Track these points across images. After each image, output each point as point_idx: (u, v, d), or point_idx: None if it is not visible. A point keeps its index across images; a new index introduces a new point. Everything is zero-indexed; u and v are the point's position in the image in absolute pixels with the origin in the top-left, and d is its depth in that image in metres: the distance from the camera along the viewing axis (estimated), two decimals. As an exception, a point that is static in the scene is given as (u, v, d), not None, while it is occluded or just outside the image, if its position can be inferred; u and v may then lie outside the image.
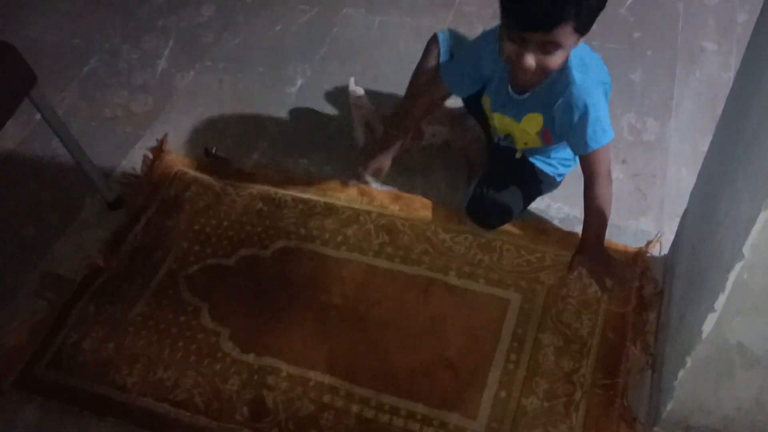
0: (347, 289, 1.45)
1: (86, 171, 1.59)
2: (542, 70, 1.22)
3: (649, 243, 1.46)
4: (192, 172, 1.73)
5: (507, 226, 1.52)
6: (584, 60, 1.29)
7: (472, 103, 1.54)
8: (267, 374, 1.33)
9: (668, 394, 1.07)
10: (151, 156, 1.77)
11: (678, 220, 1.41)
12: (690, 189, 1.35)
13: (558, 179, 1.54)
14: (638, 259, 1.44)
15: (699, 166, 1.30)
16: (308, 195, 1.64)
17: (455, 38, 1.52)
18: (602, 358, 1.30)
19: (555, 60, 1.20)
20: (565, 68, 1.26)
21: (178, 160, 1.77)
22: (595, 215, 1.32)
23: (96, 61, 2.11)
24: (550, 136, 1.38)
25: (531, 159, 1.50)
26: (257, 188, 1.67)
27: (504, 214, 1.48)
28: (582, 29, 1.18)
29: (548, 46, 1.18)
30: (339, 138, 1.80)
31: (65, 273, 1.55)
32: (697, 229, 1.16)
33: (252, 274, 1.50)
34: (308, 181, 1.68)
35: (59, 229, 1.64)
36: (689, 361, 0.98)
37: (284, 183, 1.68)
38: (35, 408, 1.33)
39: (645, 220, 1.54)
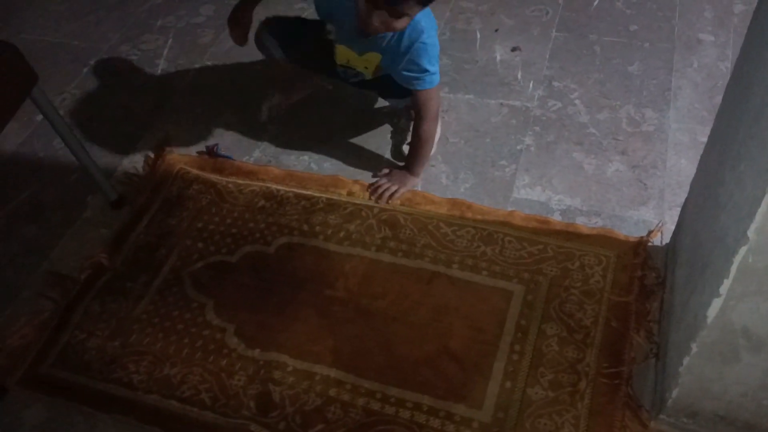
0: (351, 284, 1.45)
1: (89, 170, 1.59)
2: (387, 30, 1.43)
3: (650, 232, 1.47)
4: (194, 171, 1.74)
5: (508, 218, 1.53)
6: (429, 22, 1.50)
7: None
8: (273, 369, 1.33)
9: (674, 381, 1.08)
10: (152, 155, 1.78)
11: (678, 209, 1.42)
12: (690, 178, 1.35)
13: None
14: (639, 248, 1.44)
15: (698, 156, 1.31)
16: (310, 191, 1.65)
17: None
18: (606, 347, 1.31)
19: (400, 24, 1.42)
20: (413, 28, 1.47)
21: (179, 158, 1.77)
22: (417, 148, 1.62)
23: (96, 61, 2.11)
24: (382, 69, 1.60)
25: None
26: (259, 185, 1.68)
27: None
28: (424, 1, 1.39)
29: (395, 12, 1.38)
30: (340, 134, 1.81)
31: (69, 272, 1.55)
32: (698, 217, 1.17)
33: (256, 271, 1.51)
34: (310, 178, 1.68)
35: (62, 229, 1.65)
36: (694, 347, 0.99)
37: (286, 179, 1.69)
38: (42, 406, 1.33)
39: (646, 210, 1.55)
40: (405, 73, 1.53)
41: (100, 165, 1.66)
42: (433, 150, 1.70)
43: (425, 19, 1.48)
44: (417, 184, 1.64)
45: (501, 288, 1.42)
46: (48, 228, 1.66)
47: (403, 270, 1.47)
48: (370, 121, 1.83)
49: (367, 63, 1.60)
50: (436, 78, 1.54)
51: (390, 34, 1.48)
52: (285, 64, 1.69)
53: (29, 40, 2.20)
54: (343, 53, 1.61)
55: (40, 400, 1.34)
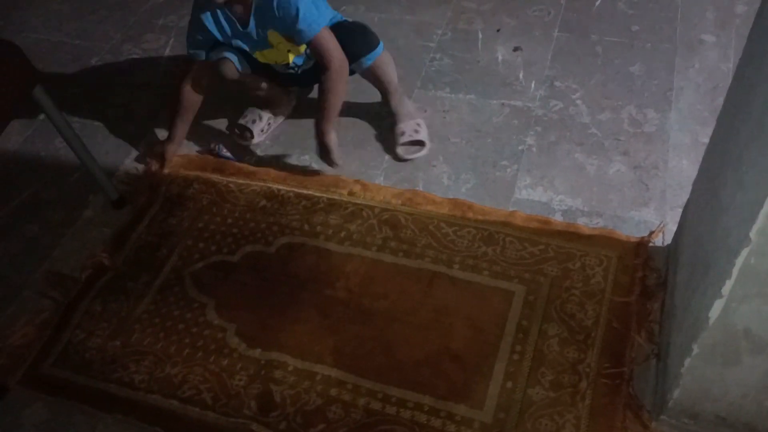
0: (352, 284, 1.45)
1: (90, 169, 1.59)
2: None
3: (651, 233, 1.47)
4: (194, 171, 1.74)
5: (509, 219, 1.53)
6: None
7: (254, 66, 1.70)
8: (274, 369, 1.33)
9: (675, 382, 1.08)
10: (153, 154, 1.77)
11: (680, 210, 1.42)
12: (691, 179, 1.35)
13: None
14: (640, 249, 1.44)
15: (699, 157, 1.31)
16: (311, 191, 1.65)
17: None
18: (607, 348, 1.31)
19: None
20: None
21: (179, 158, 1.77)
22: (319, 100, 1.59)
23: (97, 60, 2.12)
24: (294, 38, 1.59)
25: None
26: (260, 185, 1.68)
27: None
28: None
29: None
30: (341, 134, 1.80)
31: (70, 272, 1.55)
32: (700, 218, 1.17)
33: (257, 271, 1.51)
34: (310, 178, 1.68)
35: (63, 228, 1.65)
36: (696, 348, 0.99)
37: (287, 179, 1.69)
38: (43, 406, 1.33)
39: (647, 211, 1.55)
40: (297, 28, 1.51)
41: (101, 164, 1.66)
42: (426, 145, 1.71)
43: None
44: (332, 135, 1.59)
45: (502, 288, 1.42)
46: (49, 227, 1.66)
47: (404, 270, 1.47)
48: (370, 121, 1.83)
49: (287, 47, 1.61)
50: (315, 24, 1.51)
51: (255, 9, 1.51)
52: (252, 78, 1.72)
53: (31, 39, 2.20)
54: (267, 58, 1.65)
55: (40, 399, 1.35)
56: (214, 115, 1.90)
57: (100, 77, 2.06)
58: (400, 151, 1.71)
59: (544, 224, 1.52)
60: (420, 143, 1.71)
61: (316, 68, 1.67)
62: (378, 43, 1.65)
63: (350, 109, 1.86)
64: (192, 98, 1.71)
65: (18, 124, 1.88)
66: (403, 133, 1.72)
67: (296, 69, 1.71)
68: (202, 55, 1.64)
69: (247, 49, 1.62)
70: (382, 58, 1.67)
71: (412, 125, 1.73)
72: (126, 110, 1.95)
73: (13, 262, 1.59)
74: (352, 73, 1.66)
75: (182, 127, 1.74)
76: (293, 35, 1.55)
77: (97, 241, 1.61)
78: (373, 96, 1.83)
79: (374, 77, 1.69)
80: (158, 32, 2.20)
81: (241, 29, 1.57)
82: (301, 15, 1.49)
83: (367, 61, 1.63)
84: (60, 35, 2.23)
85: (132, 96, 1.99)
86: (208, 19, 1.57)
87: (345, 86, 1.59)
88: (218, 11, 1.56)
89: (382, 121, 1.83)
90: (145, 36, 2.19)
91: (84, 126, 1.89)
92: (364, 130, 1.81)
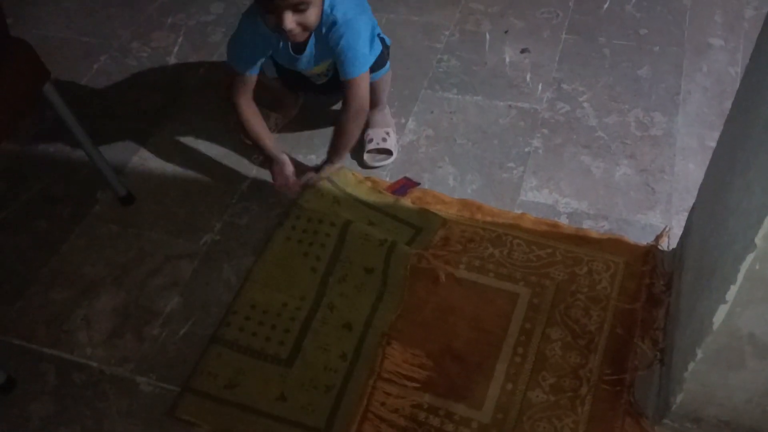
0: (357, 283, 1.46)
1: (98, 166, 1.60)
2: (305, 27, 1.41)
3: (658, 237, 1.47)
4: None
5: (518, 221, 1.53)
6: (345, 7, 1.46)
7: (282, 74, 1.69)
8: (278, 365, 1.35)
9: (678, 386, 1.08)
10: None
11: (686, 214, 1.42)
12: (697, 183, 1.35)
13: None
14: (649, 256, 1.44)
15: (706, 161, 1.31)
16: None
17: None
18: (609, 354, 1.30)
19: (311, 15, 1.39)
20: (325, 16, 1.45)
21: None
22: (337, 137, 1.61)
23: (106, 58, 2.13)
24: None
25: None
26: (267, 184, 1.69)
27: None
28: None
29: (299, 6, 1.36)
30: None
31: (77, 267, 1.56)
32: (706, 222, 1.17)
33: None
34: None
35: (71, 224, 1.66)
36: (700, 352, 0.98)
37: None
38: (49, 399, 1.34)
39: (653, 215, 1.55)
40: (344, 66, 1.49)
41: (109, 161, 1.67)
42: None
43: (340, 5, 1.45)
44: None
45: (507, 290, 1.42)
46: (58, 223, 1.67)
47: (409, 268, 1.47)
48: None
49: (326, 68, 1.62)
50: (360, 67, 1.50)
51: (316, 39, 1.48)
52: (273, 83, 1.72)
53: (40, 35, 2.21)
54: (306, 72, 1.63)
55: (47, 392, 1.36)
56: (223, 112, 1.91)
57: (108, 75, 2.07)
58: (367, 158, 1.70)
59: (552, 228, 1.52)
60: (387, 152, 1.71)
61: (335, 81, 1.66)
62: (379, 69, 1.62)
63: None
64: (253, 108, 1.64)
65: (27, 121, 1.89)
66: (371, 140, 1.71)
67: (318, 80, 1.69)
68: (256, 71, 1.57)
69: (281, 62, 1.61)
70: (378, 82, 1.65)
71: (380, 133, 1.72)
72: (134, 108, 1.96)
73: (21, 257, 1.60)
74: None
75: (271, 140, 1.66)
76: (338, 66, 1.53)
77: (104, 237, 1.62)
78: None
79: None
80: (167, 31, 2.21)
81: (293, 54, 1.54)
82: (350, 56, 1.47)
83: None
84: (69, 33, 2.24)
85: (140, 94, 2.00)
86: (263, 37, 1.50)
87: (357, 131, 1.59)
88: (273, 38, 1.51)
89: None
90: (153, 34, 2.20)
91: (93, 123, 1.90)
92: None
